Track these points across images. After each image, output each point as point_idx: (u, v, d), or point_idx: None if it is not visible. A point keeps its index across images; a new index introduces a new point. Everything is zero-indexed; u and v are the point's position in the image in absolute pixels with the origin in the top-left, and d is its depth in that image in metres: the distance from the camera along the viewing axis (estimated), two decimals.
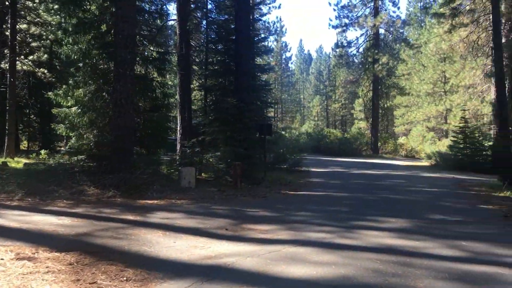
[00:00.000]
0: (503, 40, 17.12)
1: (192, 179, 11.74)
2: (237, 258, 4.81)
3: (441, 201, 10.44)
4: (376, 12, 38.46)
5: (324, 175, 16.95)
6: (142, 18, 15.58)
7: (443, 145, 30.19)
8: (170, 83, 21.98)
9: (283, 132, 42.97)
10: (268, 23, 49.47)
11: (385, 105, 47.26)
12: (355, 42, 41.99)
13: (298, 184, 13.53)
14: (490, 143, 23.16)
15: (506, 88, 15.33)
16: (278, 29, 62.65)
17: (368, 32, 39.95)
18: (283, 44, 67.25)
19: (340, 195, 11.01)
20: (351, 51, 43.34)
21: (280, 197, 10.53)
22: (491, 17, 21.02)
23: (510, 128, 16.14)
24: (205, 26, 17.56)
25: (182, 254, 4.96)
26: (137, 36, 15.31)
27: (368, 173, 18.66)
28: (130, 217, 7.16)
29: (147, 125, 14.25)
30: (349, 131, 45.85)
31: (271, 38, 56.17)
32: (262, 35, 26.68)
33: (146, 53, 16.34)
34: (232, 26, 15.41)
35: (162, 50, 16.81)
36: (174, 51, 18.94)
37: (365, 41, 40.64)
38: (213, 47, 17.06)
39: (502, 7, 18.22)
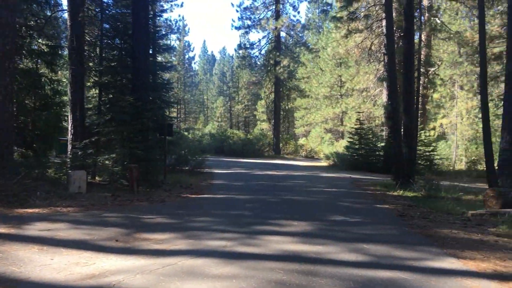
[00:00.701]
0: (396, 47, 18.04)
1: (83, 184, 10.74)
2: (125, 276, 4.21)
3: (340, 201, 10.57)
4: (277, 15, 39.13)
5: (227, 177, 16.63)
6: (28, 6, 14.18)
7: (340, 146, 31.47)
8: (64, 80, 20.31)
9: (185, 133, 42.05)
10: (170, 21, 48.27)
11: (287, 107, 48.40)
12: (258, 44, 42.45)
13: (200, 187, 13.05)
14: (383, 144, 24.50)
15: (399, 92, 16.14)
16: (181, 28, 61.59)
17: (270, 35, 40.53)
18: (186, 43, 66.25)
19: (243, 198, 10.71)
20: (254, 53, 43.74)
21: (180, 201, 9.96)
22: (383, 23, 22.19)
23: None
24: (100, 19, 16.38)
25: (59, 274, 4.24)
26: (23, 27, 13.88)
27: (271, 174, 18.70)
28: (1, 229, 6.18)
29: (36, 125, 12.95)
30: (252, 132, 46.20)
31: (173, 36, 54.97)
32: (164, 32, 25.72)
33: (34, 46, 14.92)
34: (130, 20, 14.50)
35: (52, 44, 15.44)
36: (67, 45, 17.52)
37: (267, 43, 41.20)
38: (109, 41, 15.96)
39: (394, 15, 19.21)
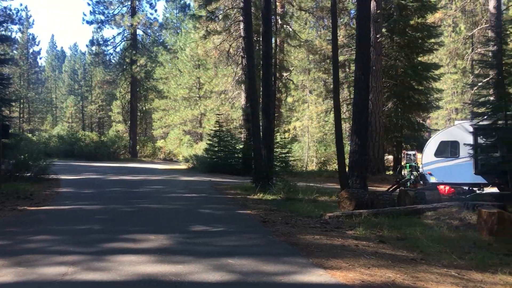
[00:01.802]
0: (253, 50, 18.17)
1: None
2: None
3: (201, 208, 10.06)
4: (133, 12, 37.45)
5: (76, 184, 15.05)
6: None
7: (200, 148, 31.17)
8: None
9: (29, 135, 37.88)
10: (10, 10, 43.13)
11: (144, 108, 46.65)
12: (112, 41, 40.10)
13: (42, 196, 11.46)
14: (241, 146, 24.74)
15: (258, 94, 16.27)
16: (24, 18, 55.61)
17: (125, 32, 38.61)
18: (30, 36, 60.01)
19: (93, 208, 9.57)
20: (108, 50, 41.29)
21: (14, 216, 8.49)
22: (241, 26, 22.37)
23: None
24: None
25: None
26: None
27: (126, 179, 17.49)
28: None
29: None
30: (107, 134, 43.59)
31: (15, 27, 49.26)
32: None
33: None
34: None
35: None
36: None
37: (123, 40, 39.20)
38: None
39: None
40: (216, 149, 24.66)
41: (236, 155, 24.84)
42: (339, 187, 13.30)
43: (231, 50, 25.62)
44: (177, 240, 6.42)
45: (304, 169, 30.34)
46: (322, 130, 36.21)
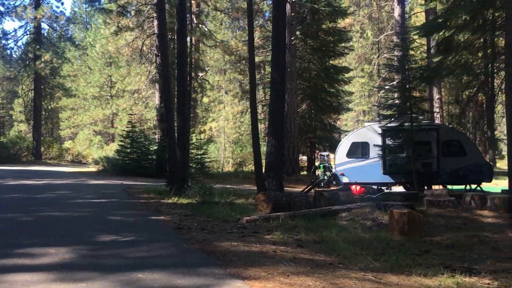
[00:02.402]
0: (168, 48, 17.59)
1: None
2: None
3: (111, 215, 9.39)
4: (37, 3, 34.96)
5: None
6: None
7: (111, 149, 29.78)
8: None
9: None
10: None
11: (50, 107, 43.79)
12: (14, 34, 37.16)
13: None
14: (155, 148, 23.94)
15: (172, 93, 15.73)
16: None
17: (28, 25, 35.92)
18: None
19: None
20: (9, 44, 38.21)
21: None
22: (155, 23, 21.62)
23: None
24: None
25: None
26: None
27: (28, 184, 16.11)
28: None
29: None
30: (7, 135, 40.30)
31: None
32: None
33: None
34: None
35: None
36: None
37: (25, 34, 36.46)
38: None
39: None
40: (128, 150, 23.64)
41: (150, 156, 24.00)
42: (256, 188, 13.19)
43: (144, 48, 24.75)
44: (81, 253, 5.83)
45: (220, 170, 30.11)
46: (238, 131, 36.25)
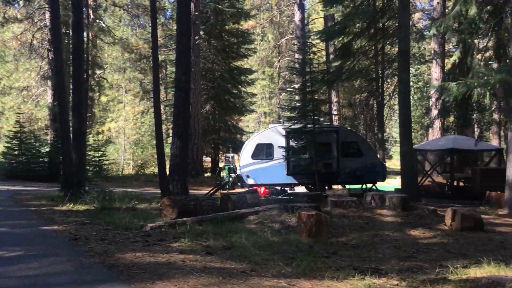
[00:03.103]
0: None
1: None
2: None
3: None
4: None
5: None
6: None
7: None
8: None
9: None
10: None
11: None
12: None
13: None
14: (48, 150, 22.18)
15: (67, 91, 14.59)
16: None
17: None
18: None
19: None
20: None
21: None
22: (47, 16, 20.01)
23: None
24: None
25: None
26: None
27: None
28: None
29: None
30: None
31: None
32: None
33: None
34: None
35: None
36: None
37: None
38: None
39: None
40: (16, 152, 21.61)
41: (41, 159, 22.14)
42: (160, 192, 12.65)
43: (35, 42, 22.83)
44: None
45: (120, 173, 28.75)
46: (138, 132, 34.93)
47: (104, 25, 26.80)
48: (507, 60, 12.68)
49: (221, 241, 7.12)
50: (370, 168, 16.39)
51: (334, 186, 16.43)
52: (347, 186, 16.53)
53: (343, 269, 5.68)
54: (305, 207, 8.86)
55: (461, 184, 16.96)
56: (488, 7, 13.81)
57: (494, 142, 21.95)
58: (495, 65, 15.22)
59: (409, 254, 6.71)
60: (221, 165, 23.23)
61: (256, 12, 39.63)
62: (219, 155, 27.64)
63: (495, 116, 16.16)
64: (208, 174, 25.44)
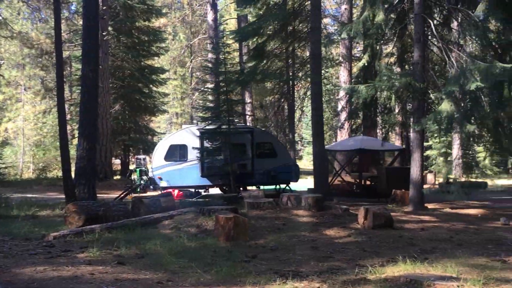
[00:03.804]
0: None
1: None
2: None
3: None
4: None
5: None
6: None
7: None
8: None
9: None
10: None
11: None
12: None
13: None
14: None
15: None
16: None
17: None
18: None
19: None
20: None
21: None
22: None
23: None
24: None
25: None
26: None
27: None
28: None
29: None
30: None
31: None
32: None
33: None
34: None
35: None
36: None
37: None
38: None
39: None
40: None
41: None
42: (65, 197, 11.74)
43: None
44: None
45: (19, 177, 26.54)
46: (40, 133, 32.52)
47: (0, 18, 24.65)
48: (411, 65, 13.39)
49: (133, 249, 6.67)
50: (284, 168, 16.55)
51: (249, 187, 16.39)
52: (262, 187, 16.58)
53: (264, 273, 5.51)
54: (222, 210, 8.64)
55: (368, 182, 17.71)
56: (392, 15, 14.53)
57: (397, 142, 23.30)
58: (398, 70, 16.05)
59: (327, 255, 6.73)
60: (132, 167, 22.27)
61: (168, 11, 38.73)
62: (130, 157, 26.54)
63: (399, 117, 17.05)
64: (118, 177, 24.31)
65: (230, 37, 18.20)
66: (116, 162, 27.92)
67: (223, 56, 15.40)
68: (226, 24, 35.25)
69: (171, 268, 5.63)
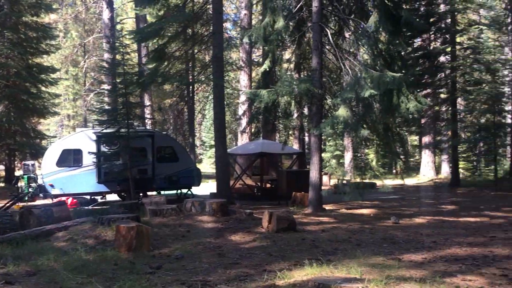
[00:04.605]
0: None
1: None
2: None
3: None
4: None
5: None
6: None
7: None
8: None
9: None
10: None
11: None
12: None
13: None
14: None
15: None
16: None
17: None
18: None
19: None
20: None
21: None
22: None
23: None
24: None
25: None
26: None
27: None
28: None
29: None
30: None
31: None
32: None
33: None
34: None
35: None
36: None
37: None
38: None
39: None
40: None
41: None
42: None
43: None
44: None
45: None
46: None
47: None
48: (310, 72, 13.87)
49: (23, 265, 6.07)
50: (186, 173, 16.31)
51: (150, 193, 15.88)
52: (163, 192, 16.15)
53: (170, 285, 5.31)
54: (123, 218, 8.19)
55: (268, 185, 18.06)
56: (292, 23, 14.96)
57: (295, 146, 24.03)
58: (296, 76, 16.57)
59: (234, 261, 6.66)
60: (18, 173, 20.45)
61: (59, 7, 36.36)
62: (16, 163, 24.38)
63: (298, 122, 17.63)
64: (2, 184, 22.24)
65: (129, 37, 17.51)
66: (0, 169, 25.52)
67: (121, 57, 14.75)
68: (123, 23, 33.99)
69: (68, 286, 5.19)
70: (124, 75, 14.46)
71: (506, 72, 22.39)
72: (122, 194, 15.81)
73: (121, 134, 14.41)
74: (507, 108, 21.94)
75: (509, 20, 21.67)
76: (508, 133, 21.53)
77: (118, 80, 14.84)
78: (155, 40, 16.41)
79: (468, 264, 6.22)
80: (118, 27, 27.73)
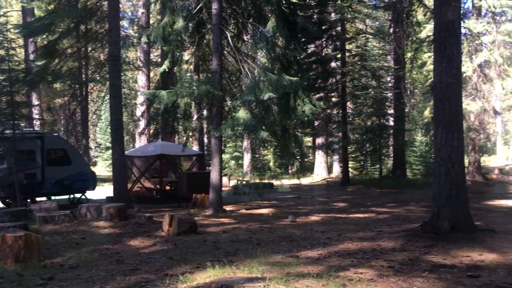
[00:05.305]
0: None
1: None
2: None
3: None
4: None
5: None
6: None
7: None
8: None
9: None
10: None
11: None
12: None
13: None
14: None
15: None
16: None
17: None
18: None
19: None
20: None
21: None
22: None
23: None
24: None
25: None
26: None
27: None
28: None
29: None
30: None
31: None
32: None
33: None
34: None
35: None
36: None
37: None
38: None
39: None
40: None
41: None
42: None
43: None
44: None
45: None
46: None
47: None
48: (210, 73, 13.89)
49: None
50: (79, 176, 15.48)
51: (39, 198, 14.84)
52: (54, 197, 15.17)
53: None
54: (9, 227, 7.54)
55: (168, 188, 17.75)
56: (192, 24, 14.86)
57: (195, 147, 23.92)
58: (196, 77, 16.50)
59: (134, 267, 6.44)
60: None
61: None
62: None
63: (197, 123, 17.57)
64: None
65: (15, 31, 16.16)
66: None
67: (6, 52, 13.58)
68: (8, 16, 31.33)
69: None
70: (9, 72, 13.34)
71: (389, 79, 24.30)
72: (7, 200, 14.57)
73: (6, 135, 13.26)
74: (390, 111, 23.78)
75: (391, 30, 23.54)
76: (391, 135, 23.36)
77: (2, 78, 13.65)
78: (44, 36, 15.30)
79: (359, 258, 6.65)
80: (2, 20, 25.55)
